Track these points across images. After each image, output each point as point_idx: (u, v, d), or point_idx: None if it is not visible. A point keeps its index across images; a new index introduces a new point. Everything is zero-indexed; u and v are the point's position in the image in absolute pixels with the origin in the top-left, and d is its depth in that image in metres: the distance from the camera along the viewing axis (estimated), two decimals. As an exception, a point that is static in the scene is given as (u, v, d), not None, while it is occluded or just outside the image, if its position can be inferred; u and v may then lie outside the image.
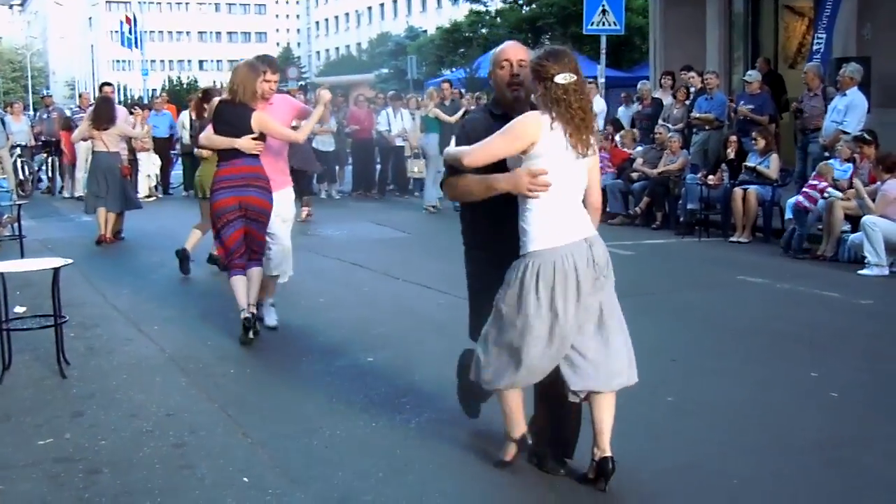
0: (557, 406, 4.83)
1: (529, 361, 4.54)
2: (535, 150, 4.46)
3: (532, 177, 4.42)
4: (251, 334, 7.39)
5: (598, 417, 4.66)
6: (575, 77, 4.48)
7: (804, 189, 11.80)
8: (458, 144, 4.82)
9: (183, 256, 10.42)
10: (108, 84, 16.61)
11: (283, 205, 7.91)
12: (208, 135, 7.67)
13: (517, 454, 4.90)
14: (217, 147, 7.54)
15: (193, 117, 13.14)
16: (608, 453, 4.62)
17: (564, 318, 4.48)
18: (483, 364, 4.68)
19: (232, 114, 7.40)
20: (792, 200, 12.10)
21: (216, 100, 7.88)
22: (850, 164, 11.81)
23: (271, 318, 7.97)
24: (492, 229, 4.80)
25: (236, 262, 7.55)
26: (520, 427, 4.84)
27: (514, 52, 4.89)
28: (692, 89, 16.05)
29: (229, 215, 7.41)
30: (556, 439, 4.93)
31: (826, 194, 11.45)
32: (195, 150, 11.27)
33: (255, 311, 7.58)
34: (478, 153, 4.56)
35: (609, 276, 4.66)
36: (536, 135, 4.45)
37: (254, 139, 7.36)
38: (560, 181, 4.47)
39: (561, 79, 4.44)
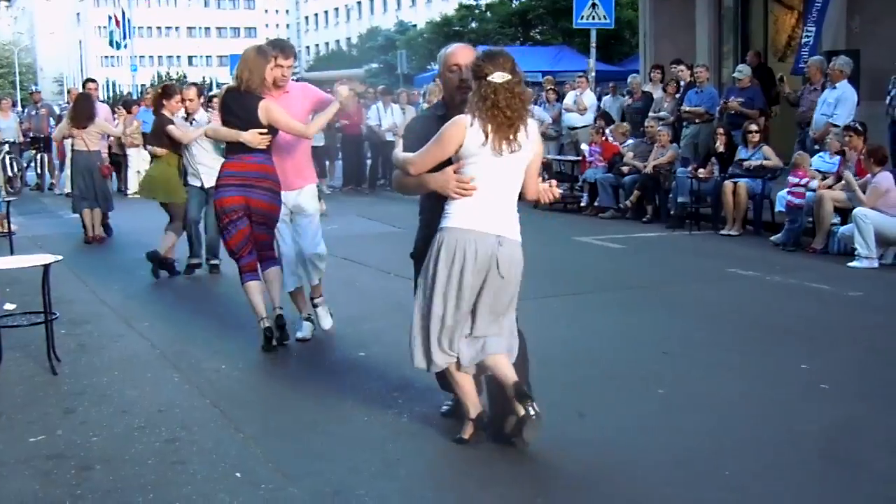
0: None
1: (439, 330, 4.87)
2: (463, 151, 4.74)
3: (458, 182, 4.76)
4: (274, 342, 7.06)
5: (502, 374, 4.91)
6: (509, 77, 4.71)
7: (789, 187, 11.81)
8: (404, 143, 5.16)
9: (167, 267, 10.16)
10: (92, 81, 16.52)
11: (305, 201, 7.38)
12: (215, 126, 7.30)
13: (475, 433, 5.07)
14: (223, 139, 7.15)
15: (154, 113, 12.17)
16: (516, 378, 4.88)
17: (458, 293, 4.79)
18: (413, 347, 5.00)
19: (238, 104, 6.87)
20: (782, 193, 12.14)
21: (224, 87, 7.69)
22: (839, 157, 11.83)
23: (303, 330, 7.43)
24: (432, 212, 5.03)
25: (246, 264, 7.10)
26: (476, 407, 5.08)
27: (464, 56, 5.07)
28: (682, 83, 16.08)
29: (233, 214, 6.94)
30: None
31: (809, 187, 11.51)
32: (147, 147, 10.92)
33: (280, 312, 7.22)
34: (418, 163, 4.93)
35: (508, 279, 4.85)
36: (461, 137, 4.73)
37: (262, 133, 6.82)
38: (482, 176, 4.76)
39: (494, 78, 4.68)
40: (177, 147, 10.15)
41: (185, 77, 48.59)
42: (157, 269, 10.07)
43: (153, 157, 10.48)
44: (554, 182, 5.19)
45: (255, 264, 7.16)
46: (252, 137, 6.81)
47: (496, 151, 4.71)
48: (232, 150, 7.03)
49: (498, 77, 4.68)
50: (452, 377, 5.04)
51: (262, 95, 6.89)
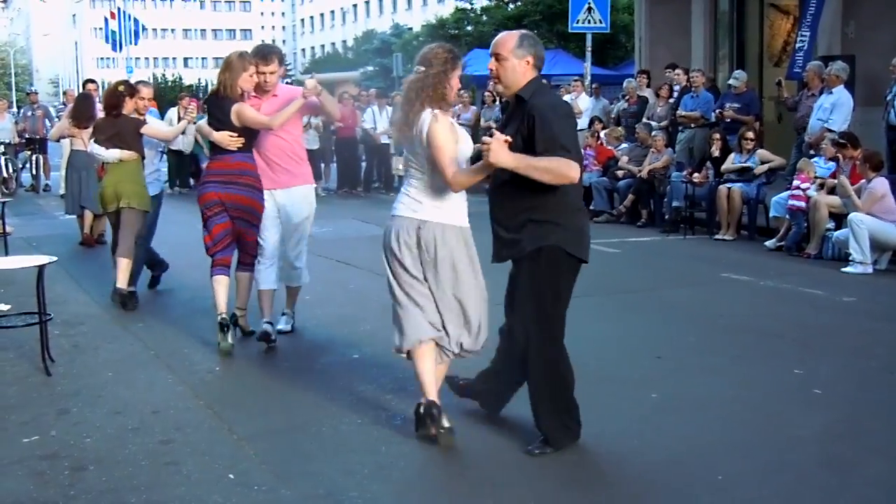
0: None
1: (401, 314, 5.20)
2: None
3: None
4: (230, 339, 7.08)
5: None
6: (415, 71, 5.19)
7: (792, 192, 11.83)
8: None
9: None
10: (92, 81, 16.40)
11: (294, 206, 7.42)
12: (202, 123, 7.53)
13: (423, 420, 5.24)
14: (205, 136, 7.51)
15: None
16: (434, 398, 5.20)
17: (401, 275, 5.15)
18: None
19: (217, 107, 7.24)
20: (776, 198, 12.16)
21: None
22: (834, 163, 11.86)
23: (284, 324, 7.69)
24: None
25: (219, 258, 7.27)
26: (430, 392, 5.21)
27: (493, 44, 5.14)
28: (675, 87, 16.10)
29: (214, 208, 7.20)
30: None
31: (808, 193, 11.54)
32: (108, 151, 8.81)
33: (240, 314, 7.49)
34: None
35: (437, 260, 5.08)
36: None
37: (232, 135, 7.10)
38: (407, 164, 5.25)
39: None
40: (141, 150, 9.00)
41: (180, 79, 48.29)
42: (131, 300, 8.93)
43: (105, 163, 8.97)
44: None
45: (229, 260, 7.35)
46: (222, 138, 7.13)
47: (403, 140, 5.19)
48: (216, 150, 7.33)
49: (412, 73, 5.16)
50: (414, 359, 5.23)
51: (235, 99, 7.14)
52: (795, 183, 11.84)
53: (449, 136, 5.00)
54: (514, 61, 4.95)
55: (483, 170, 4.82)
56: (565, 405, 5.10)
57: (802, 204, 11.58)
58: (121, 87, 9.03)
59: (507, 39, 5.04)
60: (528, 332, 5.01)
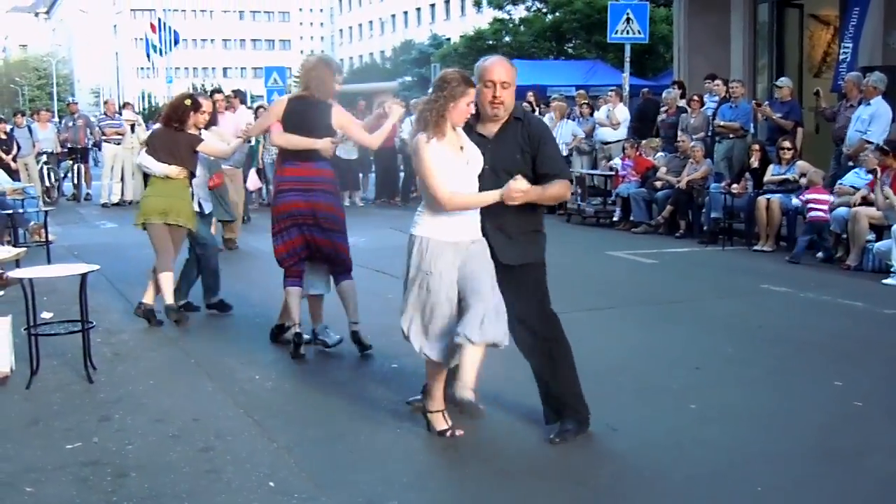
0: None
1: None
2: None
3: None
4: (301, 350, 7.25)
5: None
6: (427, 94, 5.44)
7: (808, 204, 11.80)
8: None
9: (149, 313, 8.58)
10: (218, 91, 15.89)
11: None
12: (282, 133, 7.13)
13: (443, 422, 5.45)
14: (296, 147, 7.09)
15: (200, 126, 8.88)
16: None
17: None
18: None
19: (308, 111, 7.07)
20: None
21: (284, 98, 7.48)
22: (872, 175, 11.77)
23: (329, 337, 7.54)
24: None
25: (294, 269, 7.29)
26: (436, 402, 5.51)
27: (498, 73, 5.29)
28: (706, 97, 16.02)
29: (287, 221, 7.14)
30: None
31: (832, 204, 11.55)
32: (149, 163, 8.47)
33: (356, 327, 7.42)
34: None
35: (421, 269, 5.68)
36: None
37: (335, 140, 7.13)
38: None
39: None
40: (194, 167, 8.69)
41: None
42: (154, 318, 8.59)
43: (148, 177, 8.68)
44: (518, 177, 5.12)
45: (300, 271, 7.33)
46: (325, 145, 7.08)
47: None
48: (288, 156, 7.21)
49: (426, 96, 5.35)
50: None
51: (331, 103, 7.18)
52: (813, 196, 11.81)
53: (434, 160, 5.16)
54: (513, 87, 5.31)
55: (490, 200, 5.13)
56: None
57: (821, 214, 11.55)
58: (187, 102, 8.60)
59: (509, 67, 5.35)
60: (541, 324, 5.42)
